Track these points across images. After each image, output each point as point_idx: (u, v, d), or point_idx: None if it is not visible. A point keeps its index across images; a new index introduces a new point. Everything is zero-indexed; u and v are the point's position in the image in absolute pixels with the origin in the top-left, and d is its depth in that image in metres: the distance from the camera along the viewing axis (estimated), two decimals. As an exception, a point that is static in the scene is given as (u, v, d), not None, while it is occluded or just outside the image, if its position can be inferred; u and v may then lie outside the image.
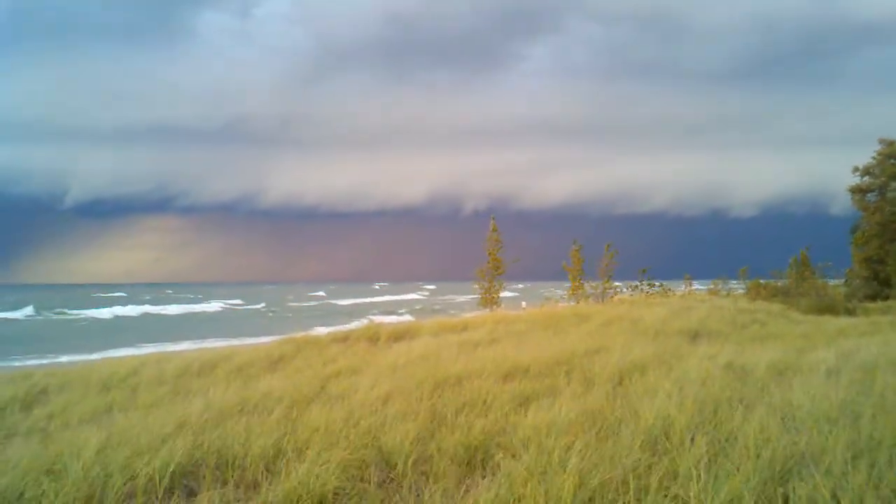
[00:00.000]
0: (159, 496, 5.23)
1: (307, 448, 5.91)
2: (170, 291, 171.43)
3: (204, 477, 5.41)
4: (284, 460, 5.62)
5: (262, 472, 5.51)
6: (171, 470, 5.50)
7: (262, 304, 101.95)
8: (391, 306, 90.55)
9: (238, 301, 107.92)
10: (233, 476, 5.51)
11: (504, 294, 36.76)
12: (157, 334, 49.01)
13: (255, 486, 5.33)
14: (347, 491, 5.20)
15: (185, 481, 5.57)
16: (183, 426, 6.80)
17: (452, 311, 34.58)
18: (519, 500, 4.67)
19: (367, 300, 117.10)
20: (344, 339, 16.34)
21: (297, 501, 4.91)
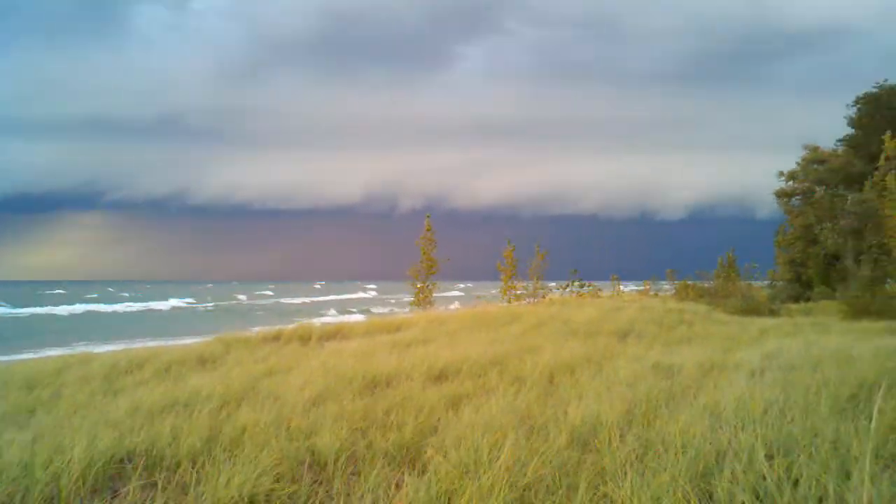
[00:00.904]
0: (83, 497, 5.12)
1: (237, 448, 5.86)
2: (111, 289, 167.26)
3: (130, 478, 5.31)
4: (214, 461, 5.54)
5: (190, 473, 5.43)
6: (95, 470, 5.40)
7: (212, 303, 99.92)
8: (341, 305, 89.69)
9: (190, 300, 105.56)
10: (160, 477, 5.43)
11: (449, 294, 36.85)
12: (109, 333, 47.83)
13: (183, 487, 5.25)
14: (278, 492, 5.16)
15: (110, 482, 5.47)
16: (109, 425, 6.68)
17: (399, 310, 34.39)
18: (449, 498, 4.70)
19: (317, 299, 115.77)
20: (275, 338, 16.20)
21: (227, 503, 4.86)
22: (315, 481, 5.54)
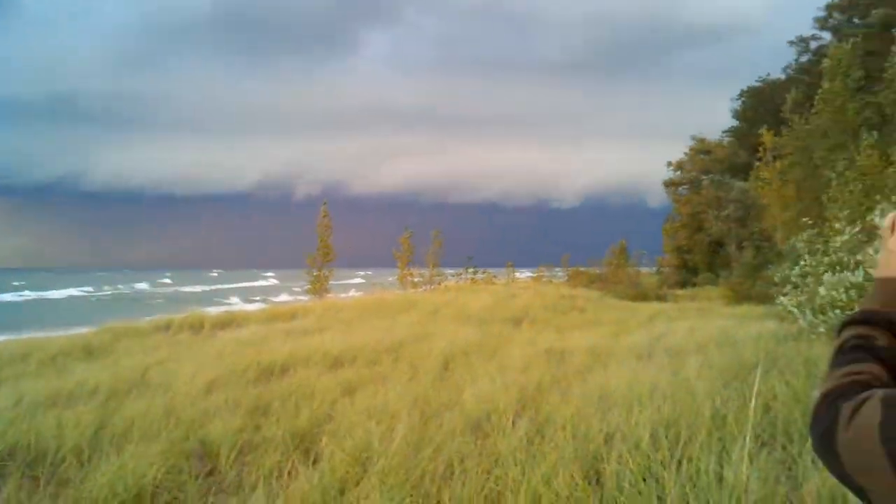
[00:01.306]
0: (-41, 496, 4.91)
1: (125, 441, 5.71)
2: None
3: (11, 473, 5.12)
4: (101, 454, 5.39)
5: (75, 467, 5.27)
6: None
7: (110, 292, 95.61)
8: (241, 293, 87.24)
9: (88, 288, 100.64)
10: (43, 472, 5.24)
11: (348, 281, 36.54)
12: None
13: (67, 481, 5.09)
14: (167, 484, 5.05)
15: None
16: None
17: (300, 299, 33.80)
18: (343, 486, 4.69)
19: (218, 287, 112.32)
20: (166, 327, 15.81)
21: (113, 497, 4.72)
22: (207, 472, 5.45)
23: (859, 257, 10.43)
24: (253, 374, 8.91)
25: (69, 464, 5.38)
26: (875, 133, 19.89)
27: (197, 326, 15.96)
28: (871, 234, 10.74)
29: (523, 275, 49.92)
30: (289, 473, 5.14)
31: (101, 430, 6.20)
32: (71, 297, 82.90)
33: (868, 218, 11.61)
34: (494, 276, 41.90)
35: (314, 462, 5.37)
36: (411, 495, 4.55)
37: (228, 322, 16.78)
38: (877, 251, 9.66)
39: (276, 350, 10.61)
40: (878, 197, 13.96)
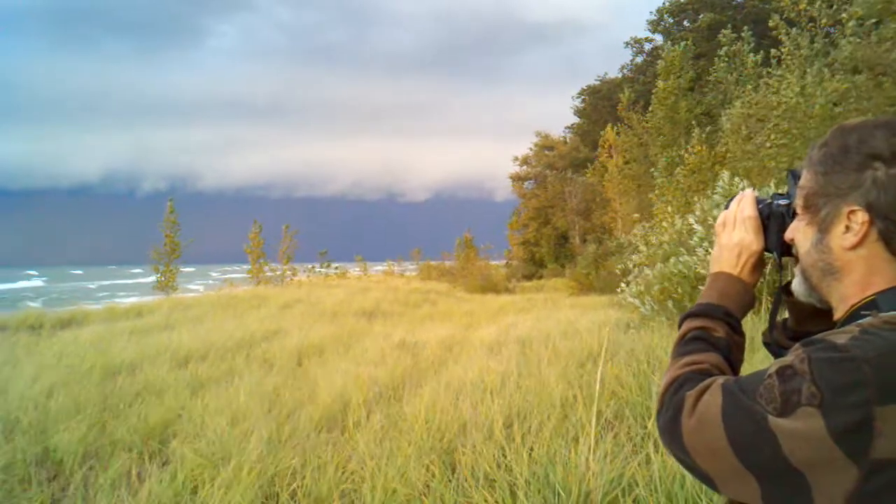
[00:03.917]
0: None
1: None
2: None
3: None
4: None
5: None
6: None
7: None
8: (84, 292, 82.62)
9: None
10: None
11: (198, 278, 35.54)
12: None
13: None
14: (5, 495, 4.83)
15: None
16: None
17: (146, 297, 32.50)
18: (195, 488, 4.62)
19: (62, 285, 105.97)
20: (2, 327, 14.97)
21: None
22: (49, 479, 5.23)
23: (682, 250, 11.04)
24: (98, 374, 8.58)
25: None
26: (704, 130, 21.08)
27: (36, 326, 15.19)
28: (690, 229, 11.38)
29: (374, 269, 50.05)
30: (138, 476, 5.01)
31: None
32: None
33: (688, 215, 12.30)
34: (346, 271, 41.81)
35: (165, 463, 5.26)
36: (266, 494, 4.54)
37: (69, 321, 16.07)
38: (696, 245, 10.30)
39: (121, 349, 10.26)
40: (696, 198, 14.83)
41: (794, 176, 1.26)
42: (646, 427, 4.94)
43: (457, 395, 6.57)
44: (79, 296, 66.67)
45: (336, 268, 40.99)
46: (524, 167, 55.29)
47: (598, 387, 4.79)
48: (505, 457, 4.54)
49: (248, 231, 36.68)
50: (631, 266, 13.06)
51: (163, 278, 33.35)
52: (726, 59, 21.59)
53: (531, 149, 55.29)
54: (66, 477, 5.23)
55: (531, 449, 4.56)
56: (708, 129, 21.65)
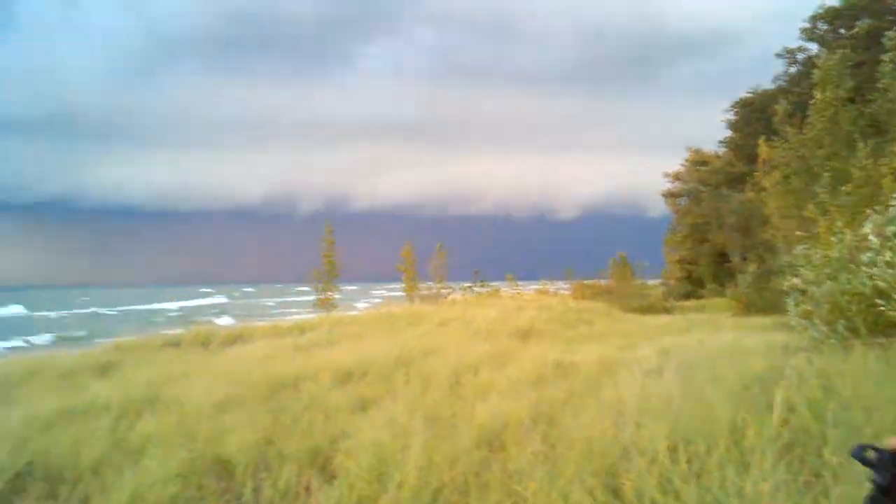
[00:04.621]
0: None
1: (141, 457, 5.73)
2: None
3: (30, 491, 5.14)
4: (117, 470, 5.41)
5: (94, 484, 5.28)
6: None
7: (117, 309, 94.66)
8: (251, 309, 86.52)
9: (110, 309, 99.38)
10: (62, 490, 5.25)
11: (357, 296, 36.61)
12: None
13: (86, 499, 5.11)
14: (185, 501, 5.07)
15: (7, 497, 5.28)
16: (4, 437, 6.42)
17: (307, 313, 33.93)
18: (361, 502, 4.71)
19: (236, 301, 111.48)
20: (176, 343, 15.83)
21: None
22: (224, 489, 5.47)
23: (854, 266, 10.37)
24: (264, 389, 8.92)
25: (88, 482, 5.39)
26: (871, 142, 19.91)
27: (206, 342, 15.98)
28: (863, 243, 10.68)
29: (526, 287, 49.89)
30: (306, 489, 5.16)
31: (117, 447, 6.22)
32: (76, 315, 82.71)
33: (861, 230, 11.58)
34: (498, 290, 41.85)
35: (331, 478, 5.39)
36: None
37: (237, 337, 16.80)
38: (871, 260, 9.66)
39: (286, 364, 10.62)
40: (866, 212, 13.99)
41: None
42: (821, 456, 4.68)
43: (616, 416, 6.44)
44: (258, 312, 69.84)
45: (489, 287, 41.10)
46: (676, 183, 53.95)
47: (776, 412, 4.58)
48: (670, 482, 4.41)
49: (399, 250, 37.39)
50: (796, 285, 12.46)
51: (322, 296, 34.42)
52: (891, 64, 20.37)
53: (683, 164, 53.91)
54: (238, 487, 5.45)
55: (699, 475, 4.41)
56: (877, 140, 20.44)
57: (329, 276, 34.76)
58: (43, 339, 45.59)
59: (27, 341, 43.21)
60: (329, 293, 34.60)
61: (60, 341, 42.55)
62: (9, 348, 39.03)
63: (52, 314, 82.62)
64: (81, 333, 48.41)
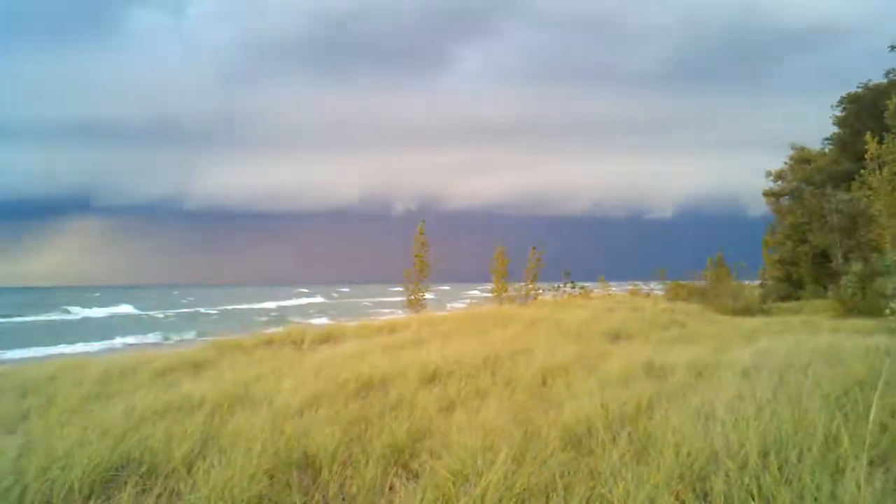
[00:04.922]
0: (78, 505, 5.11)
1: (231, 453, 5.85)
2: (97, 295, 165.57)
3: (125, 484, 5.30)
4: (208, 466, 5.53)
5: (185, 479, 5.42)
6: (90, 477, 5.38)
7: (215, 309, 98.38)
8: (341, 308, 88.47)
9: (215, 309, 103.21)
10: (156, 483, 5.41)
11: (429, 296, 36.85)
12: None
13: (178, 493, 5.25)
14: (272, 496, 5.16)
15: (105, 489, 5.46)
16: (102, 432, 6.64)
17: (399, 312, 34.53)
18: (446, 501, 4.71)
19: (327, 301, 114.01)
20: (268, 342, 16.16)
21: (221, 507, 4.86)
22: (309, 485, 5.54)
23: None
24: (352, 387, 9.02)
25: (180, 475, 5.54)
26: None
27: (298, 341, 16.26)
28: None
29: (619, 288, 49.34)
30: (390, 488, 5.19)
31: (209, 442, 6.37)
32: (181, 314, 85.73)
33: None
34: (590, 291, 41.52)
35: (415, 477, 5.41)
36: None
37: (328, 336, 17.04)
38: None
39: (374, 364, 10.71)
40: None
41: None
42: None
43: (706, 420, 6.29)
44: (354, 312, 71.18)
45: (581, 287, 40.84)
46: (779, 182, 52.48)
47: (873, 418, 4.41)
48: (760, 488, 4.28)
49: (491, 250, 37.48)
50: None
51: (412, 297, 34.72)
52: None
53: (786, 162, 52.43)
54: (324, 483, 5.51)
55: (789, 481, 4.27)
56: None
57: (420, 276, 35.05)
58: (154, 337, 47.74)
59: (141, 339, 45.46)
60: (419, 293, 34.87)
61: (167, 340, 44.51)
62: (127, 345, 41.13)
63: (160, 314, 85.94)
64: (191, 334, 50.30)
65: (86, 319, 78.82)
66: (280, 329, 18.58)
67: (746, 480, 4.39)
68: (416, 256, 35.17)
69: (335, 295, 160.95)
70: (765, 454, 4.94)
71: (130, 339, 46.60)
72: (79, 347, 40.14)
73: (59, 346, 41.46)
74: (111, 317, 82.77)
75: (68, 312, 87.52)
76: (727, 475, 4.52)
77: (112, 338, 48.30)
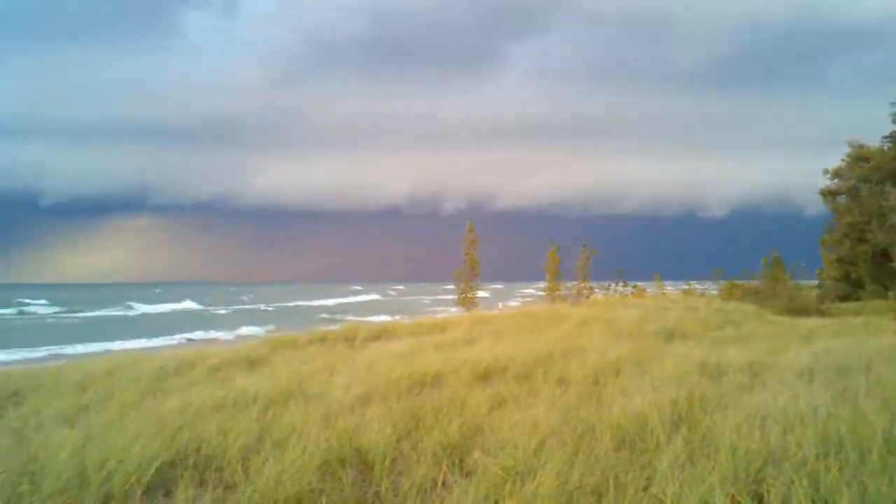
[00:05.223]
0: (137, 498, 5.21)
1: (284, 448, 5.91)
2: (157, 291, 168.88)
3: (181, 477, 5.39)
4: (262, 460, 5.60)
5: (239, 472, 5.49)
6: (148, 470, 5.48)
7: (273, 305, 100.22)
8: (397, 307, 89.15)
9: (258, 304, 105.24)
10: (211, 476, 5.49)
11: (482, 294, 36.93)
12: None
13: (233, 486, 5.32)
14: (325, 490, 5.20)
15: (162, 482, 5.55)
16: (160, 426, 6.76)
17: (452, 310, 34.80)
18: (497, 499, 4.70)
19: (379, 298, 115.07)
20: (321, 339, 16.29)
21: (275, 501, 4.91)
22: (361, 480, 5.58)
23: None
24: (404, 385, 9.05)
25: (234, 469, 5.62)
26: None
27: (350, 338, 16.37)
28: None
29: (673, 288, 48.85)
30: (442, 484, 5.20)
31: (262, 437, 6.45)
32: (239, 311, 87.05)
33: None
34: (644, 290, 41.19)
35: (468, 474, 5.41)
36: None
37: (380, 334, 17.13)
38: None
39: (426, 362, 10.73)
40: None
41: None
42: None
43: (763, 421, 6.20)
44: (411, 309, 71.66)
45: (634, 286, 40.55)
46: (836, 180, 51.38)
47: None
48: (818, 491, 4.21)
49: (543, 249, 37.39)
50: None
51: (463, 295, 34.78)
52: None
53: (844, 160, 51.30)
54: (376, 480, 5.54)
55: (849, 484, 4.19)
56: None
57: (471, 274, 35.10)
58: (220, 333, 48.74)
59: (207, 334, 46.56)
60: (470, 292, 34.92)
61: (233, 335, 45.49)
62: (191, 339, 42.09)
63: (223, 310, 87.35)
64: (254, 328, 51.22)
65: (158, 315, 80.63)
66: (342, 327, 18.75)
67: (805, 482, 4.31)
68: (465, 254, 35.24)
69: (391, 293, 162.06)
70: (823, 456, 4.85)
71: (198, 334, 47.68)
72: (157, 342, 41.00)
73: (130, 340, 42.37)
74: (178, 313, 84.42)
75: (130, 308, 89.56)
76: (784, 477, 4.44)
77: (189, 331, 49.47)
